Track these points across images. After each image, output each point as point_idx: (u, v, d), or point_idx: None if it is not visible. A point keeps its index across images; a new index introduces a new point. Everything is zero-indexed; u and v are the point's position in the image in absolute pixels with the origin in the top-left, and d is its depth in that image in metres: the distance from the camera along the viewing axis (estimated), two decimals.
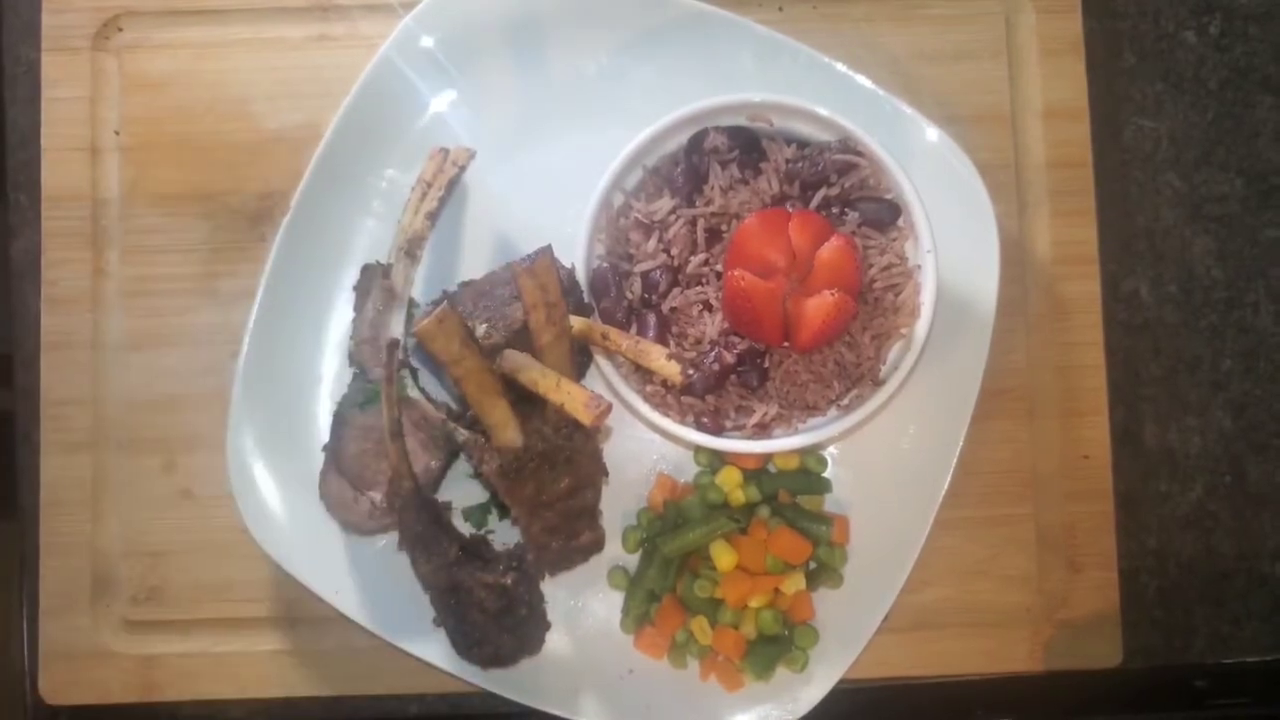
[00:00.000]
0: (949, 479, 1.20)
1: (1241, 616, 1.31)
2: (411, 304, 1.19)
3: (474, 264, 1.23)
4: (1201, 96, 1.35)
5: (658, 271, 1.17)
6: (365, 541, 1.21)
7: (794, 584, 1.19)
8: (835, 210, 1.18)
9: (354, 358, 1.20)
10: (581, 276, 1.17)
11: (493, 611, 1.10)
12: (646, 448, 1.25)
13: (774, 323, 1.14)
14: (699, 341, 1.17)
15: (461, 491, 1.21)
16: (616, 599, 1.22)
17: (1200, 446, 1.32)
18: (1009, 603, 1.26)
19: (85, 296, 1.27)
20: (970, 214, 1.21)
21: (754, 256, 1.13)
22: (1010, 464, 1.27)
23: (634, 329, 1.18)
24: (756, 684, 1.20)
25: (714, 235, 1.18)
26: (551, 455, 1.11)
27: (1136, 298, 1.33)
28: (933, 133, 1.21)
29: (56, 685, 1.24)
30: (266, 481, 1.20)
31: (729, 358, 1.16)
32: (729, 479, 1.20)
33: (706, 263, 1.17)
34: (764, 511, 1.21)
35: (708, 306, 1.17)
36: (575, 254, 1.17)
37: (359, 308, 1.21)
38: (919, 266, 1.17)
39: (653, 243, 1.18)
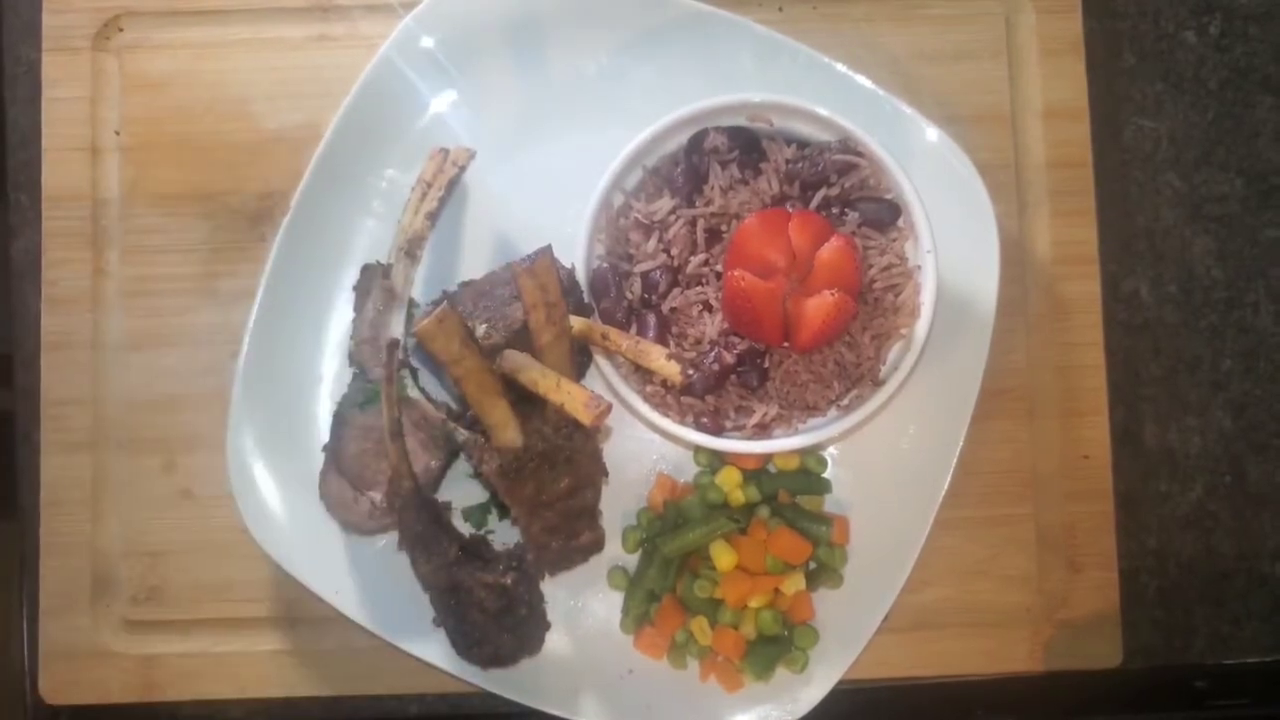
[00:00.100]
0: (949, 479, 1.20)
1: (1241, 616, 1.31)
2: (411, 304, 1.19)
3: (474, 264, 1.23)
4: (1201, 96, 1.35)
5: (658, 272, 1.17)
6: (365, 541, 1.21)
7: (794, 584, 1.19)
8: (835, 210, 1.18)
9: (354, 358, 1.20)
10: (581, 276, 1.17)
11: (493, 611, 1.10)
12: (646, 448, 1.25)
13: (774, 323, 1.14)
14: (699, 342, 1.17)
15: (461, 491, 1.21)
16: (616, 599, 1.22)
17: (1200, 446, 1.32)
18: (1009, 603, 1.26)
19: (85, 296, 1.27)
20: (970, 214, 1.20)
21: (754, 256, 1.13)
22: (1010, 464, 1.27)
23: (634, 329, 1.18)
24: (756, 684, 1.20)
25: (714, 235, 1.18)
26: (551, 455, 1.11)
27: (1136, 298, 1.33)
28: (933, 133, 1.21)
29: (56, 685, 1.24)
30: (266, 481, 1.20)
31: (729, 358, 1.16)
32: (729, 479, 1.20)
33: (706, 263, 1.17)
34: (764, 512, 1.21)
35: (707, 307, 1.17)
36: (575, 254, 1.17)
37: (359, 308, 1.21)
38: (919, 266, 1.17)
39: (653, 243, 1.18)
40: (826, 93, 1.20)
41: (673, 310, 1.18)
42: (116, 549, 1.25)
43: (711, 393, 1.17)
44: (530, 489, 1.12)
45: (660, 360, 1.11)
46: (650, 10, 1.23)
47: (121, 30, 1.29)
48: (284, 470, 1.20)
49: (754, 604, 1.19)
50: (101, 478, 1.26)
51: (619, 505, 1.22)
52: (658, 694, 1.20)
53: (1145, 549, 1.31)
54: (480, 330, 1.11)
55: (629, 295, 1.18)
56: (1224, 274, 1.33)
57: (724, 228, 1.18)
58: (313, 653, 1.25)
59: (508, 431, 1.10)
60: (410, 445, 1.14)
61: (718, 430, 1.18)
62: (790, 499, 1.23)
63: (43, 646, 1.24)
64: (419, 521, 1.12)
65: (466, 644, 1.13)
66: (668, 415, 1.17)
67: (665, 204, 1.18)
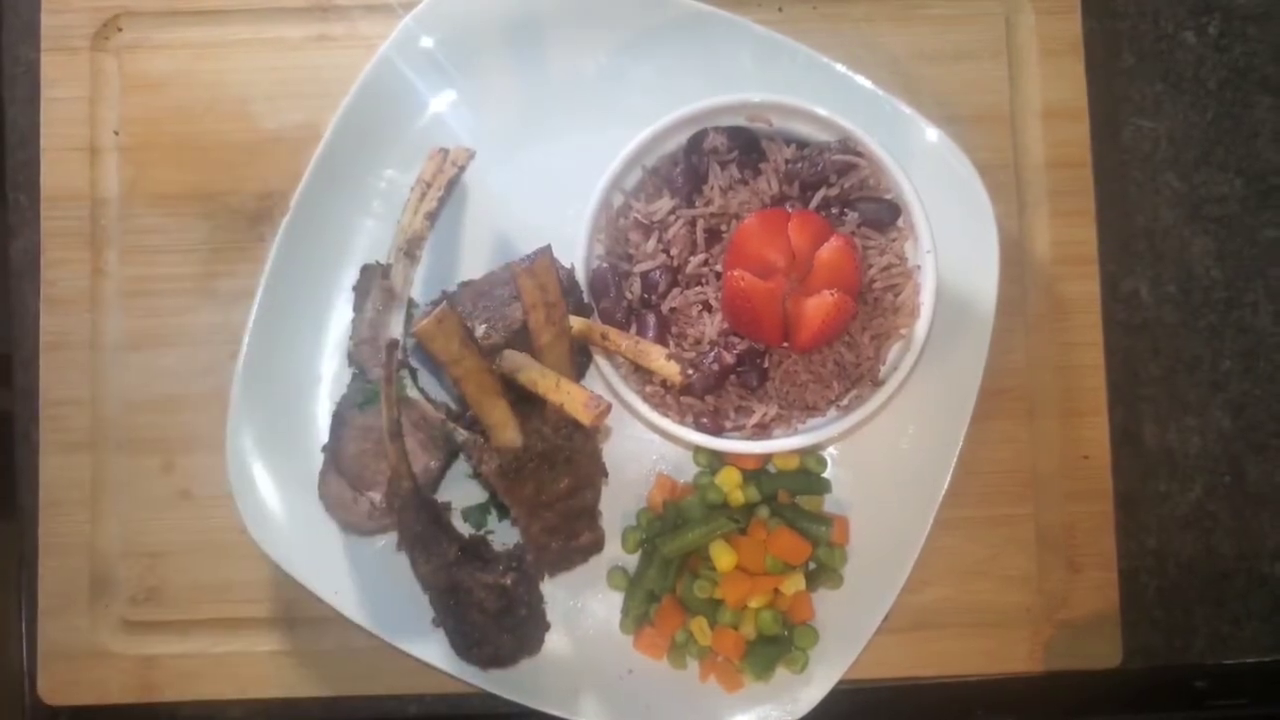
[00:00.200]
0: (949, 479, 1.20)
1: (1241, 616, 1.31)
2: (411, 304, 1.19)
3: (474, 264, 1.23)
4: (1201, 97, 1.35)
5: (657, 272, 1.17)
6: (365, 541, 1.20)
7: (794, 584, 1.19)
8: (835, 210, 1.18)
9: (353, 358, 1.20)
10: (581, 276, 1.17)
11: (492, 612, 1.10)
12: (646, 448, 1.25)
13: (773, 323, 1.14)
14: (699, 342, 1.17)
15: (461, 491, 1.21)
16: (616, 599, 1.22)
17: (1199, 446, 1.32)
18: (1009, 603, 1.26)
19: (84, 296, 1.27)
20: (970, 214, 1.20)
21: (753, 257, 1.13)
22: (1010, 464, 1.27)
23: (633, 329, 1.18)
24: (756, 684, 1.20)
25: (713, 235, 1.18)
26: (551, 455, 1.11)
27: (1136, 298, 1.33)
28: (932, 133, 1.21)
29: (55, 685, 1.24)
30: (266, 482, 1.20)
31: (728, 358, 1.16)
32: (728, 479, 1.20)
33: (706, 263, 1.17)
34: (764, 512, 1.21)
35: (707, 307, 1.17)
36: (575, 254, 1.17)
37: (358, 308, 1.21)
38: (918, 266, 1.17)
39: (652, 243, 1.18)
40: (826, 93, 1.20)
41: (672, 310, 1.18)
42: (115, 549, 1.25)
43: (711, 393, 1.17)
44: (530, 489, 1.12)
45: (660, 360, 1.11)
46: (650, 10, 1.23)
47: (120, 30, 1.29)
48: (283, 470, 1.20)
49: (754, 604, 1.19)
50: (100, 478, 1.26)
51: (619, 505, 1.22)
52: (657, 694, 1.20)
53: (1145, 549, 1.31)
54: (480, 330, 1.11)
55: (628, 295, 1.18)
56: (1223, 274, 1.33)
57: (724, 228, 1.18)
58: (312, 653, 1.25)
59: (507, 432, 1.10)
60: (410, 445, 1.14)
61: (717, 430, 1.17)
62: (790, 499, 1.23)
63: (41, 647, 1.24)
64: (418, 522, 1.12)
65: (466, 644, 1.13)
66: (667, 415, 1.17)
67: (665, 204, 1.18)
